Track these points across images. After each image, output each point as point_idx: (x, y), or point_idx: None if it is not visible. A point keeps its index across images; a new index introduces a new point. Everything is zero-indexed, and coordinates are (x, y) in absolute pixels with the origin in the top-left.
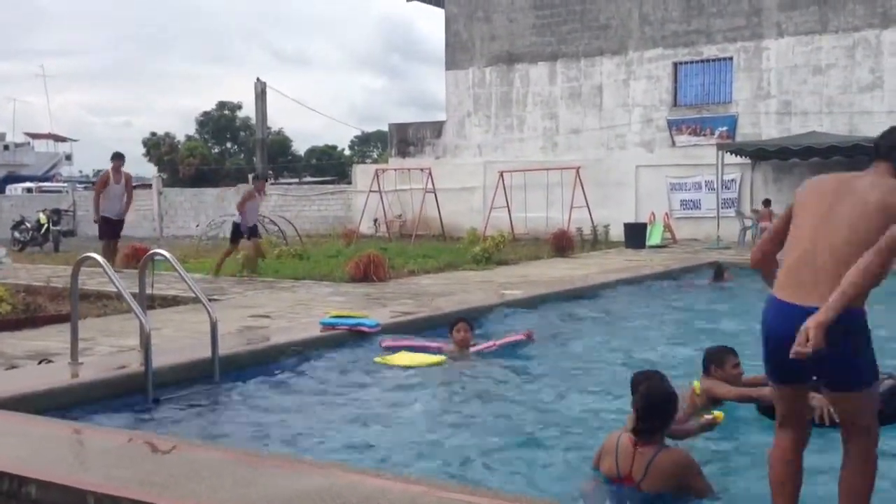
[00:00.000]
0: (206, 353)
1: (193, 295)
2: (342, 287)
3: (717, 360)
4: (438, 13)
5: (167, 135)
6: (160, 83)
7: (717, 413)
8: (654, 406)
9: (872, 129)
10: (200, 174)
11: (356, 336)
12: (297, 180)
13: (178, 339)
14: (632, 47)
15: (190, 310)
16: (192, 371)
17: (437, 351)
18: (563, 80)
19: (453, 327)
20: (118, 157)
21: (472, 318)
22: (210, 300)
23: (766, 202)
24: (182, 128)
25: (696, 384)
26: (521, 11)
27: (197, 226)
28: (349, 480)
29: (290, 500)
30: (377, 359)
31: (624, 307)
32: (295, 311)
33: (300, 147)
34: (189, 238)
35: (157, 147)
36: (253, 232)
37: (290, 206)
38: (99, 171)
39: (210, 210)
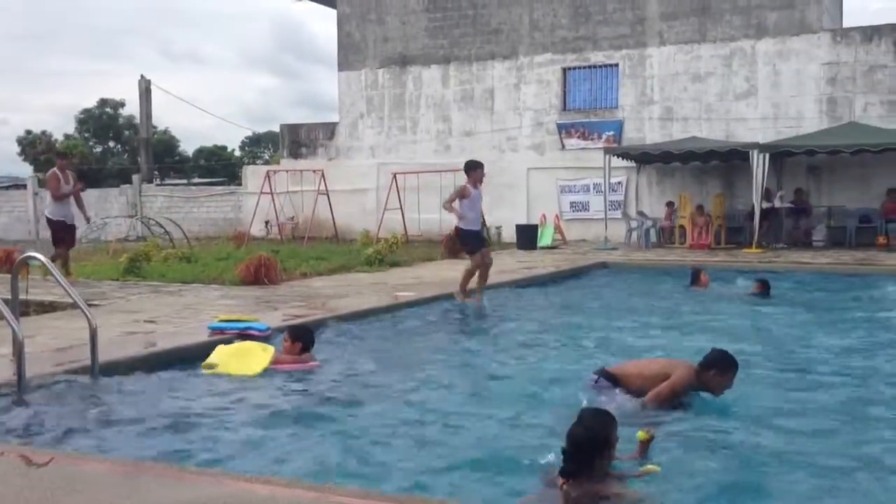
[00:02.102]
0: (85, 360)
1: (72, 300)
2: (232, 290)
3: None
4: (331, 13)
5: (44, 133)
6: (37, 80)
7: (653, 466)
8: (576, 446)
9: (747, 134)
10: (80, 174)
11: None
12: (185, 181)
13: (55, 347)
14: (522, 52)
15: (68, 315)
16: (69, 379)
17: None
18: (455, 83)
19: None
20: (64, 156)
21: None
22: (90, 305)
23: (670, 204)
24: (61, 126)
25: (641, 433)
26: (413, 14)
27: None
28: (238, 488)
29: None
30: (203, 368)
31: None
32: (182, 315)
33: (188, 147)
34: None
35: (33, 145)
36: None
37: (177, 208)
38: None
39: (91, 212)
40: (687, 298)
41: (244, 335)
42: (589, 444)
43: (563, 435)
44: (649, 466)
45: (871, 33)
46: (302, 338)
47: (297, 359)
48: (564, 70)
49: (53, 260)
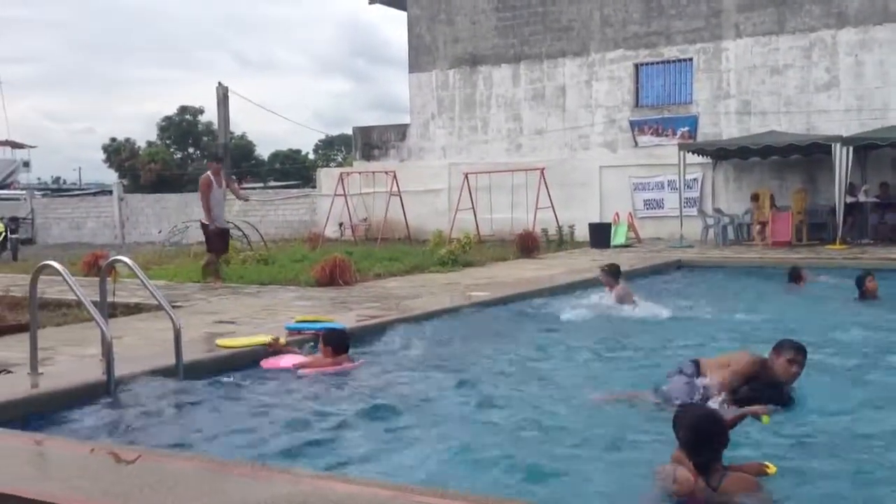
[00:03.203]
0: (170, 360)
1: (156, 302)
2: (308, 291)
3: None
4: (401, 16)
5: (128, 140)
6: (121, 89)
7: (770, 464)
8: (702, 436)
9: (829, 127)
10: (162, 180)
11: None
12: (261, 185)
13: (142, 347)
14: (593, 49)
15: (153, 317)
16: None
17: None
18: (525, 82)
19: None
20: (218, 160)
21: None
22: (173, 307)
23: (755, 196)
24: (143, 133)
25: (765, 418)
26: (483, 14)
27: (159, 232)
28: (317, 486)
29: None
30: (218, 341)
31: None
32: (260, 316)
33: (264, 152)
34: (151, 244)
35: (118, 153)
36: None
37: (254, 211)
38: (58, 178)
39: (172, 216)
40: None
41: (321, 335)
42: (720, 429)
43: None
44: (768, 463)
45: None
46: (332, 342)
47: (333, 361)
48: (637, 66)
49: (207, 266)
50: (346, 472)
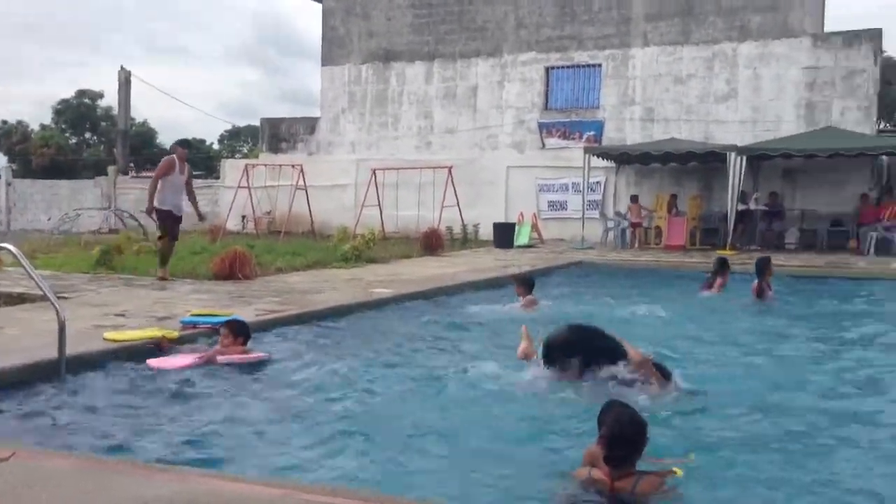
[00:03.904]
0: (53, 353)
1: (42, 292)
2: (206, 285)
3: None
4: (316, 7)
5: (20, 123)
6: (14, 69)
7: (678, 469)
8: (624, 434)
9: (726, 137)
10: (56, 165)
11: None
12: None
13: (23, 339)
14: (506, 50)
15: (38, 308)
16: (37, 373)
17: (205, 361)
18: (438, 80)
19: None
20: (188, 145)
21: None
22: (60, 298)
23: (634, 198)
24: (38, 117)
25: (678, 471)
26: (399, 10)
27: (49, 219)
28: (204, 485)
29: None
30: (105, 335)
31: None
32: (153, 309)
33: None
34: (39, 232)
35: (9, 136)
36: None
37: None
38: None
39: (64, 203)
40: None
41: (217, 329)
42: (641, 431)
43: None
44: (675, 468)
45: (851, 38)
46: (239, 330)
47: (242, 350)
48: (548, 69)
49: (163, 254)
50: (239, 470)
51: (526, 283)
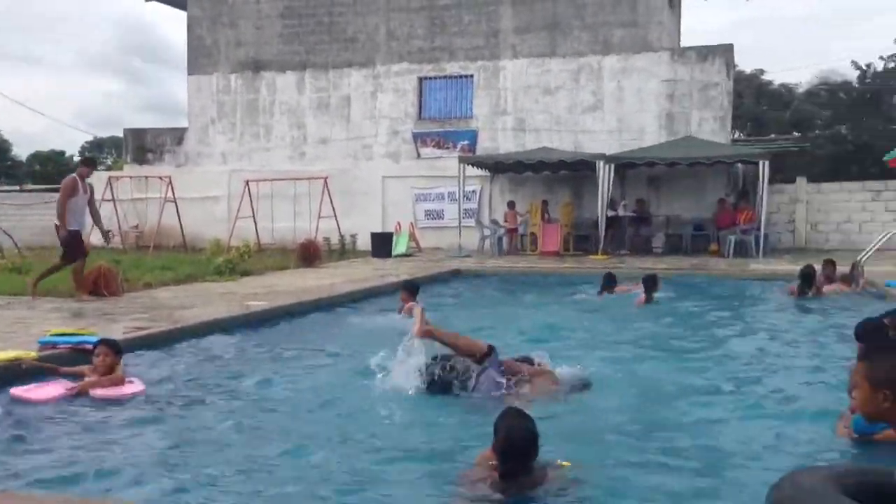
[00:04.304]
0: None
1: None
2: (68, 303)
3: None
4: (180, 16)
5: None
6: None
7: (566, 462)
8: (518, 450)
9: (594, 146)
10: None
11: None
12: (17, 188)
13: None
14: (379, 61)
15: None
16: None
17: (76, 393)
18: (311, 90)
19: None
20: (91, 164)
21: (114, 343)
22: None
23: (511, 204)
24: None
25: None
26: (267, 19)
27: None
28: None
29: None
30: None
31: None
32: (11, 329)
33: (22, 152)
34: None
35: None
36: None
37: (8, 216)
38: None
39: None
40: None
41: (79, 350)
42: (534, 443)
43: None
44: (563, 462)
45: (705, 53)
46: (119, 350)
47: (114, 379)
48: (420, 79)
49: (75, 275)
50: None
51: (410, 288)
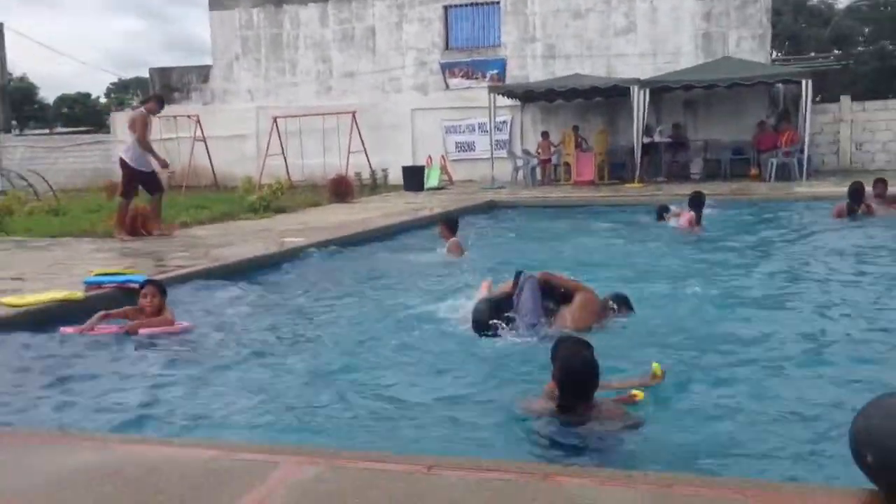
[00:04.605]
0: None
1: None
2: (107, 243)
3: None
4: None
5: None
6: None
7: (637, 391)
8: (576, 381)
9: (627, 70)
10: None
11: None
12: (47, 131)
13: None
14: None
15: None
16: None
17: (125, 332)
18: (334, 23)
19: (139, 292)
20: (161, 101)
21: (160, 283)
22: None
23: (545, 134)
24: None
25: (656, 367)
26: None
27: None
28: (129, 451)
29: (60, 481)
30: (2, 300)
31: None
32: (53, 271)
33: (49, 95)
34: None
35: None
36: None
37: (40, 159)
38: None
39: None
40: None
41: (125, 289)
42: (594, 373)
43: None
44: (635, 392)
45: None
46: (166, 290)
47: (163, 320)
48: (446, 8)
49: (120, 213)
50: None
51: (450, 223)
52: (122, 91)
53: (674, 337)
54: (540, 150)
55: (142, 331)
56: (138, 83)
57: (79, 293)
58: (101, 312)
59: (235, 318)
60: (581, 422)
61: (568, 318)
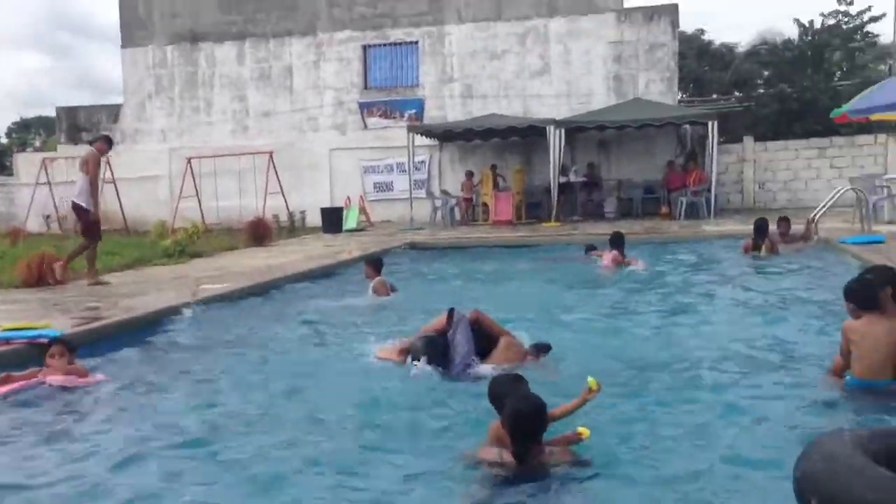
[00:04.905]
0: None
1: None
2: (11, 294)
3: None
4: None
5: None
6: None
7: (583, 429)
8: (529, 425)
9: (543, 111)
10: None
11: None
12: None
13: None
14: (321, 29)
15: None
16: None
17: (37, 384)
18: (251, 61)
19: (47, 352)
20: (110, 141)
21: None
22: None
23: (469, 174)
24: None
25: (591, 381)
26: None
27: None
28: None
29: None
30: None
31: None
32: None
33: None
34: None
35: None
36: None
37: None
38: None
39: None
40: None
41: (35, 344)
42: (543, 416)
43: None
44: (580, 429)
45: (651, 14)
46: (75, 347)
47: (74, 370)
48: (364, 47)
49: (90, 259)
50: None
51: (375, 263)
52: (23, 131)
53: (605, 369)
54: (463, 190)
55: (50, 379)
56: (41, 122)
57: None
58: (3, 374)
59: (149, 372)
60: (535, 469)
61: (496, 359)
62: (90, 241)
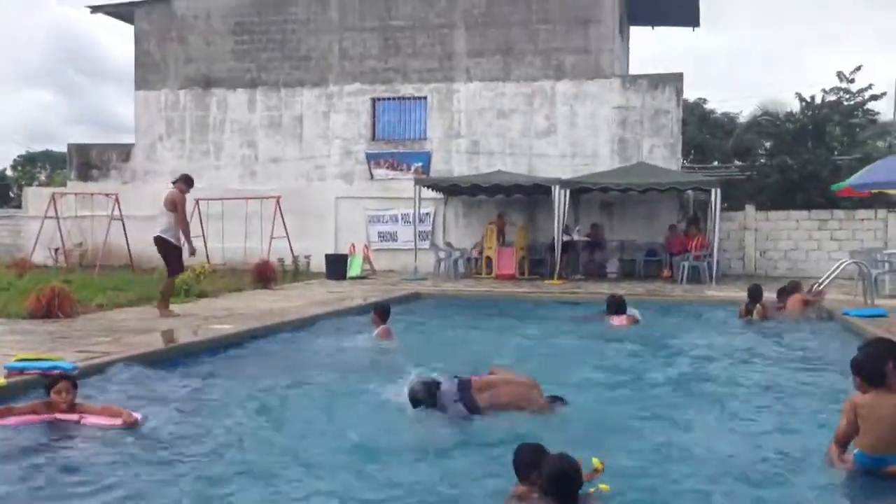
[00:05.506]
0: None
1: None
2: (20, 325)
3: None
4: (127, 29)
5: None
6: None
7: (604, 486)
8: (567, 487)
9: (548, 170)
10: None
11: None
12: None
13: None
14: (332, 80)
15: None
16: None
17: (45, 420)
18: (262, 109)
19: (51, 388)
20: (190, 182)
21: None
22: None
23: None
24: None
25: (596, 461)
26: (218, 35)
27: None
28: None
29: None
30: None
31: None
32: None
33: None
34: None
35: None
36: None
37: None
38: None
39: None
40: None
41: (47, 375)
42: (580, 478)
43: None
44: (601, 486)
45: (656, 81)
46: (77, 385)
47: (109, 409)
48: (374, 100)
49: (165, 291)
50: None
51: (382, 311)
52: (28, 163)
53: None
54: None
55: (86, 420)
56: (47, 157)
57: (1, 379)
58: (2, 407)
59: (172, 410)
60: None
61: (502, 395)
62: (174, 275)
